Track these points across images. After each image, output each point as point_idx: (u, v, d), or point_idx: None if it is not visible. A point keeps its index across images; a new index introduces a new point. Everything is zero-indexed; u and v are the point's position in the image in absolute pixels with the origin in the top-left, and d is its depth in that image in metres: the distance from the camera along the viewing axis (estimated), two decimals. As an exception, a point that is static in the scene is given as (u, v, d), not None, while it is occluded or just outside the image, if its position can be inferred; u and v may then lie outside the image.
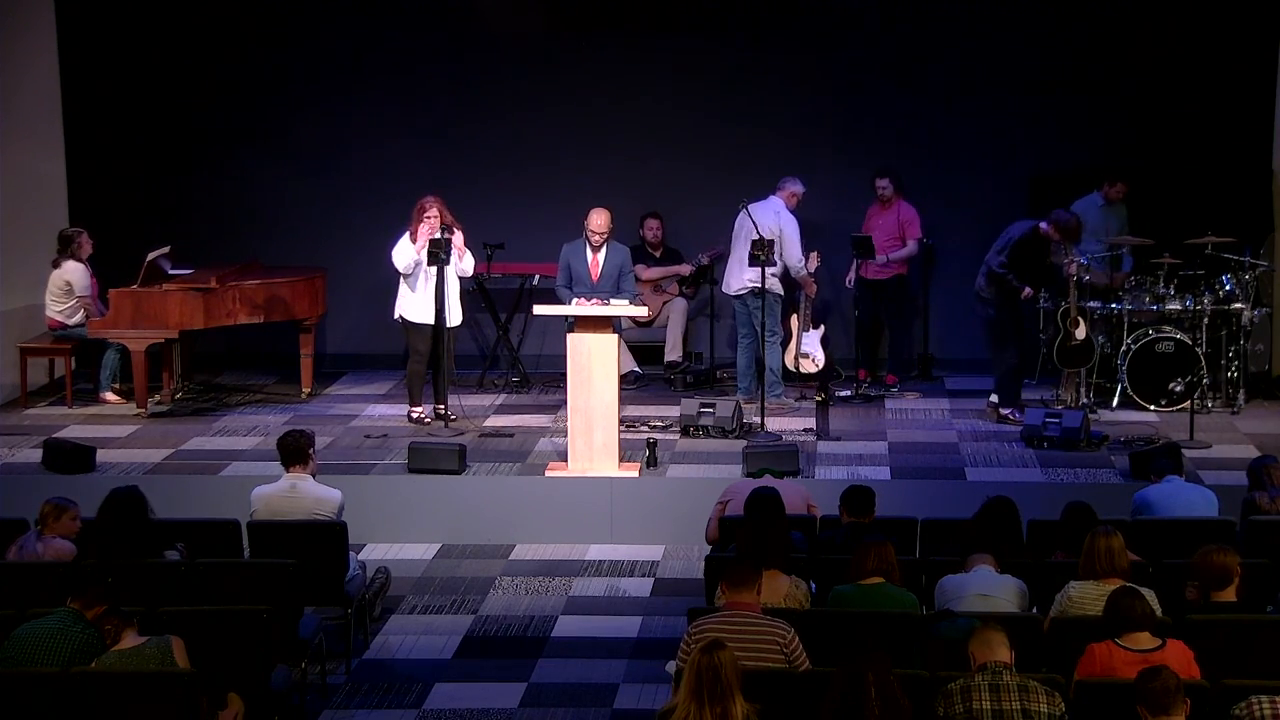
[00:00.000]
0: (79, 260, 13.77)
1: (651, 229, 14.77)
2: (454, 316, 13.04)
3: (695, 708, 6.50)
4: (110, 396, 13.78)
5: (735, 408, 12.90)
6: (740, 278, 13.56)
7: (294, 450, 9.68)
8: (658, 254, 14.82)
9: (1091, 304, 13.59)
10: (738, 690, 6.52)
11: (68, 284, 13.76)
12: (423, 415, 13.26)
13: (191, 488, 11.56)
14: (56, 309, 13.79)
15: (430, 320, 12.91)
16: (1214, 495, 9.84)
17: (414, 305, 13.03)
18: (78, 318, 13.76)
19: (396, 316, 13.18)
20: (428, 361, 13.14)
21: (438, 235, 12.76)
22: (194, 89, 15.17)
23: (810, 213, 14.42)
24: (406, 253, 12.87)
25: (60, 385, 14.12)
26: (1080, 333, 13.14)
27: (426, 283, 12.89)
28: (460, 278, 13.14)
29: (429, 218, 12.81)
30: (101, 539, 8.81)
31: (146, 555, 8.81)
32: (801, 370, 13.60)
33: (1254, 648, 7.63)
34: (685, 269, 14.71)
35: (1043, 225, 13.01)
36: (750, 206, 13.17)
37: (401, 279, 13.04)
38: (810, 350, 13.65)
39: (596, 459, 11.72)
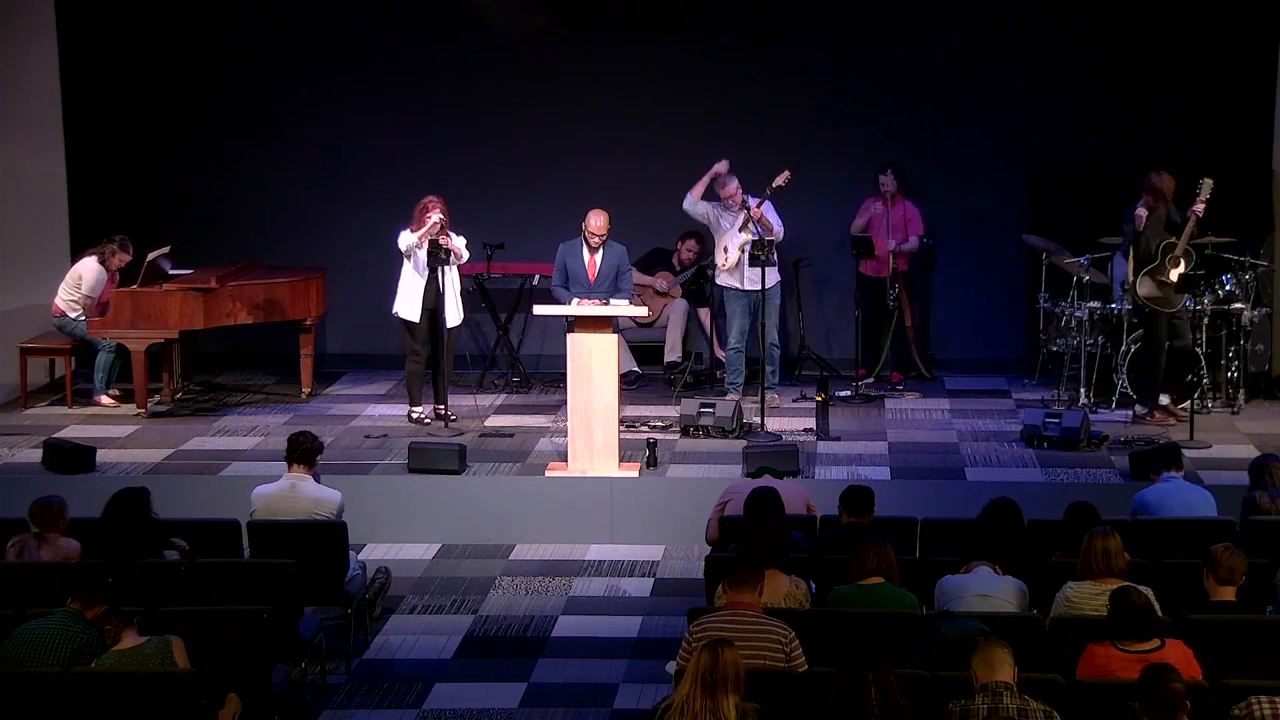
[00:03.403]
0: (102, 263, 13.77)
1: (690, 250, 14.74)
2: (454, 317, 13.04)
3: (690, 699, 6.51)
4: (105, 399, 13.76)
5: (735, 408, 12.91)
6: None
7: (304, 450, 9.67)
8: (678, 270, 14.78)
9: (1092, 304, 13.59)
10: (733, 689, 6.52)
11: (79, 276, 13.78)
12: (423, 415, 13.26)
13: (191, 488, 11.55)
14: (62, 297, 13.80)
15: (420, 319, 12.95)
16: (1211, 496, 9.83)
17: (412, 304, 13.04)
18: (78, 314, 13.76)
19: (394, 312, 13.18)
20: (426, 361, 13.15)
21: (437, 236, 12.78)
22: (194, 89, 15.18)
23: (812, 211, 14.48)
24: (409, 236, 12.88)
25: (60, 385, 14.12)
26: (1175, 273, 12.77)
27: (423, 278, 12.90)
28: (459, 266, 13.11)
29: (429, 219, 12.80)
30: (104, 539, 8.81)
31: (147, 555, 8.81)
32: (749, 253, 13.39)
33: (1254, 648, 7.63)
34: (662, 282, 14.69)
35: (1138, 210, 12.79)
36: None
37: (401, 278, 13.05)
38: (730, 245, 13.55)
39: (596, 459, 11.73)
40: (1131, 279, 12.92)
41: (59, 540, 8.99)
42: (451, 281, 12.99)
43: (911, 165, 14.54)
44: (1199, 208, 12.66)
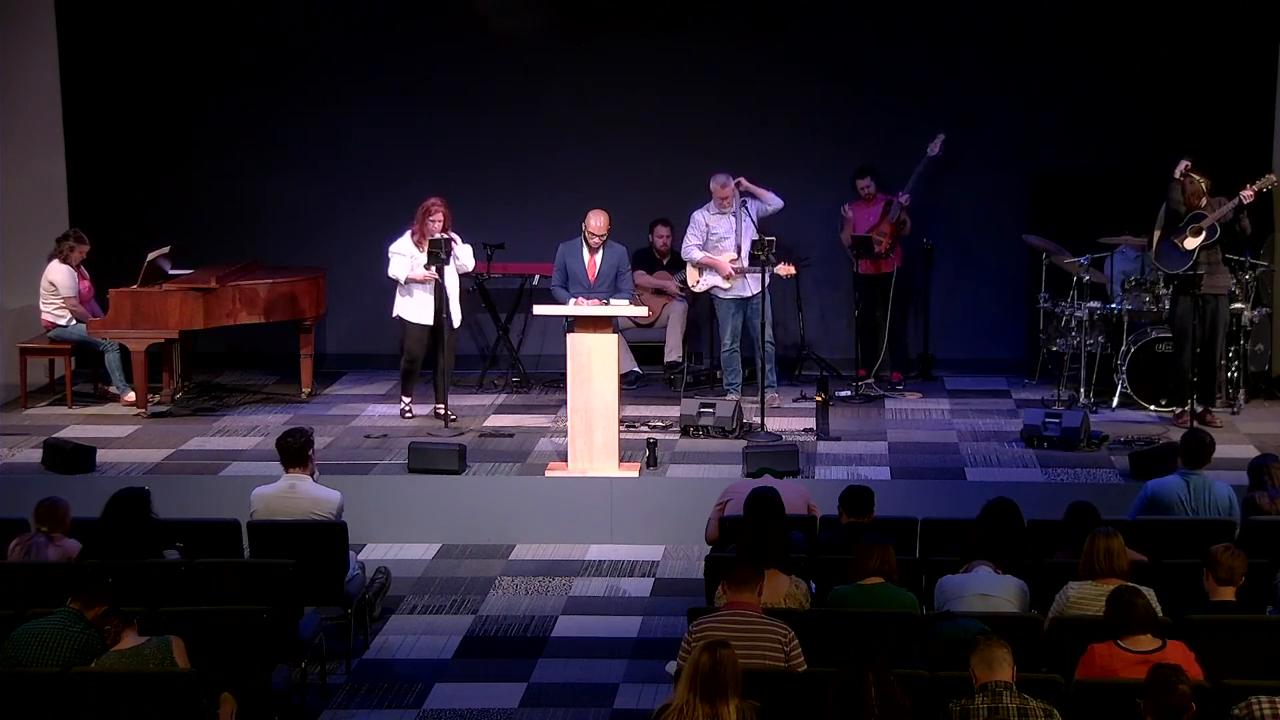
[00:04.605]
0: (66, 263, 13.77)
1: (661, 237, 14.73)
2: (455, 317, 13.04)
3: (690, 703, 6.51)
4: (132, 396, 13.69)
5: (735, 408, 12.91)
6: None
7: (293, 451, 9.68)
8: (665, 261, 14.78)
9: (1092, 304, 13.58)
10: (734, 692, 6.52)
11: (51, 284, 13.78)
12: (407, 406, 13.29)
13: (191, 488, 11.56)
14: (46, 309, 13.82)
15: (426, 321, 12.96)
16: (1231, 491, 9.76)
17: (412, 305, 13.06)
18: (66, 319, 13.76)
19: (395, 315, 13.21)
20: (420, 363, 13.18)
21: (438, 236, 12.80)
22: (193, 89, 15.18)
23: (812, 212, 14.48)
24: (402, 266, 12.91)
25: (60, 385, 14.12)
26: (1190, 243, 12.67)
27: (425, 286, 12.92)
28: (460, 274, 13.15)
29: (433, 221, 12.83)
30: (103, 539, 8.81)
31: (147, 555, 8.81)
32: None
33: (1254, 648, 7.63)
34: (674, 285, 14.61)
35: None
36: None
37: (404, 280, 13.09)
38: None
39: (596, 459, 11.73)
40: (1154, 239, 12.86)
41: (63, 540, 9.01)
42: (451, 283, 13.00)
43: (912, 165, 14.49)
44: (1248, 192, 12.63)
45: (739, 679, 6.57)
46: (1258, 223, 13.76)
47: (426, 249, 12.75)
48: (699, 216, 13.63)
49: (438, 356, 13.13)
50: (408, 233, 13.00)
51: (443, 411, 13.12)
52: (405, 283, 12.97)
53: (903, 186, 14.27)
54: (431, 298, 12.93)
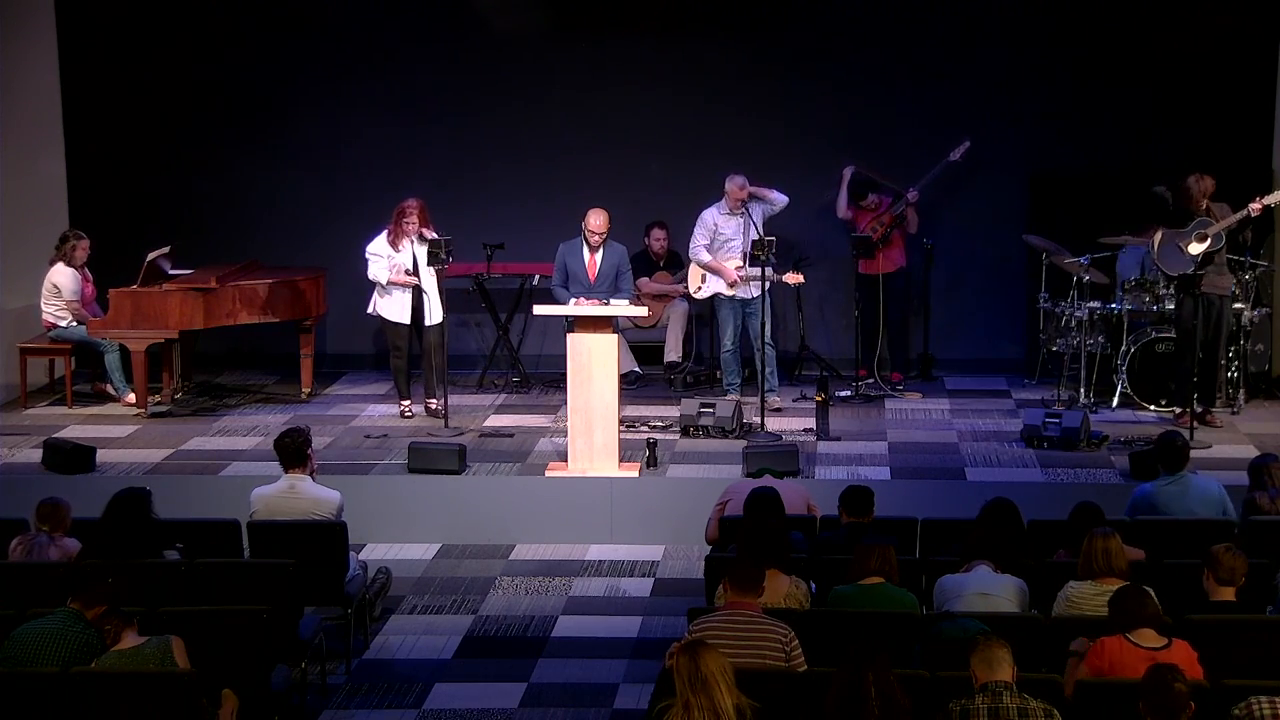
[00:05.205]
0: (70, 264, 13.77)
1: (658, 239, 14.73)
2: (434, 315, 13.08)
3: (690, 703, 6.51)
4: (132, 397, 13.70)
5: (735, 408, 12.91)
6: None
7: (291, 451, 9.68)
8: (661, 264, 14.77)
9: (1092, 304, 13.58)
10: (721, 681, 6.52)
11: (55, 286, 13.77)
12: (406, 407, 13.32)
13: (191, 488, 11.56)
14: (47, 310, 13.82)
15: (404, 319, 13.10)
16: (1223, 490, 9.76)
17: (389, 304, 13.13)
18: (68, 320, 13.76)
19: (371, 312, 13.25)
20: (407, 357, 13.23)
21: (436, 237, 12.82)
22: (194, 89, 15.18)
23: (813, 212, 14.47)
24: (381, 268, 13.02)
25: (60, 385, 14.13)
26: (1195, 248, 12.65)
27: (407, 292, 12.98)
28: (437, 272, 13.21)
29: (408, 223, 12.89)
30: (104, 539, 8.81)
31: (147, 555, 8.81)
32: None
33: (1254, 648, 7.63)
34: (680, 289, 14.59)
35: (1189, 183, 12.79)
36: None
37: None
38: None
39: (596, 459, 11.73)
40: (1156, 241, 12.85)
41: (64, 540, 9.02)
42: (430, 282, 13.03)
43: (912, 166, 14.50)
44: (1257, 205, 12.61)
45: (725, 668, 6.57)
46: (1258, 222, 13.78)
47: (426, 250, 12.78)
48: (708, 216, 13.60)
49: (425, 354, 13.18)
50: (383, 233, 13.04)
51: (434, 406, 13.14)
52: (386, 284, 13.02)
53: (914, 183, 14.26)
54: (409, 296, 13.04)
